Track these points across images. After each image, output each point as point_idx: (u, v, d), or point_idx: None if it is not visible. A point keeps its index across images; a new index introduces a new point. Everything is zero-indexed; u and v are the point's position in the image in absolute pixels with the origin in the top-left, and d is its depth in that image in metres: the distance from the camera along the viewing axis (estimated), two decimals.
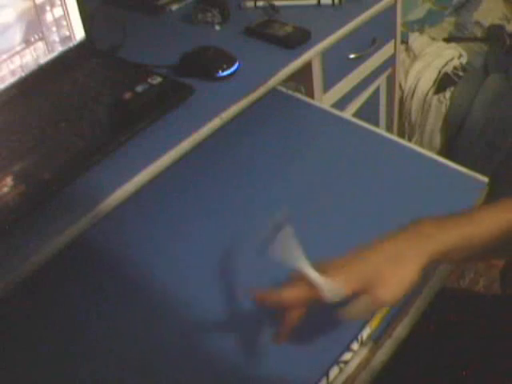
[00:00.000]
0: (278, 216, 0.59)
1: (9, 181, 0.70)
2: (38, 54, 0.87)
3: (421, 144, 1.67)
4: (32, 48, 0.86)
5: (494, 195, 0.82)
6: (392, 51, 1.31)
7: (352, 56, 1.16)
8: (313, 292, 0.55)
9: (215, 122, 0.83)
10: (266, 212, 0.83)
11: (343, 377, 0.62)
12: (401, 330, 0.65)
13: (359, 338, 0.64)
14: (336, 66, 1.12)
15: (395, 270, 0.54)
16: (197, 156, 0.85)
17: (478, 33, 1.72)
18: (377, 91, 1.36)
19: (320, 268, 0.55)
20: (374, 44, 1.21)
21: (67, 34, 0.90)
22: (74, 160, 0.74)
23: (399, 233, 0.57)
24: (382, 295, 0.53)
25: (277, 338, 0.60)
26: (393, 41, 1.29)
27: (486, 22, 1.71)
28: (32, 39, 0.85)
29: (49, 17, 0.86)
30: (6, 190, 0.69)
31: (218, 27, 1.07)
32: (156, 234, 0.82)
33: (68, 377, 0.66)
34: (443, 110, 1.56)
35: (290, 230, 0.57)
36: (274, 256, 0.56)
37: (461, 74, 1.58)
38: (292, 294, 0.56)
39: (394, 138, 0.96)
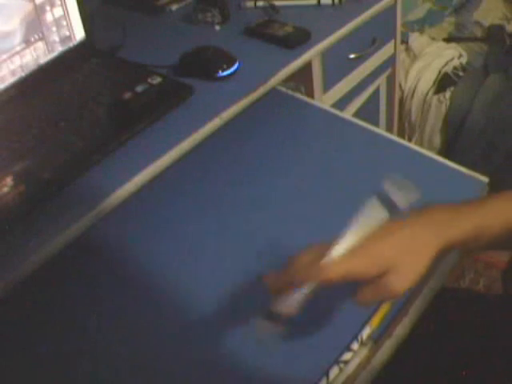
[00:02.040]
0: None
1: (9, 181, 0.70)
2: (37, 54, 0.87)
3: (421, 144, 1.67)
4: (32, 48, 0.86)
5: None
6: (392, 51, 1.31)
7: (352, 56, 1.16)
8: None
9: (215, 122, 0.83)
10: (266, 211, 0.84)
11: (343, 377, 0.62)
12: (401, 330, 0.65)
13: (359, 337, 0.64)
14: (336, 66, 1.12)
15: (410, 259, 0.53)
16: (197, 156, 0.85)
17: (478, 33, 1.72)
18: (377, 91, 1.36)
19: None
20: (374, 44, 1.21)
21: (67, 34, 0.90)
22: (74, 160, 0.74)
23: (414, 218, 0.56)
24: (395, 283, 0.52)
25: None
26: (393, 41, 1.29)
27: (486, 22, 1.71)
28: (32, 39, 0.85)
29: (49, 17, 0.86)
30: (5, 189, 0.69)
31: (217, 27, 1.07)
32: (156, 233, 0.82)
33: (68, 377, 0.66)
34: (443, 110, 1.57)
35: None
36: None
37: (461, 74, 1.58)
38: (303, 259, 0.55)
39: (394, 137, 0.96)
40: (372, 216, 0.58)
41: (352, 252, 0.53)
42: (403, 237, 0.54)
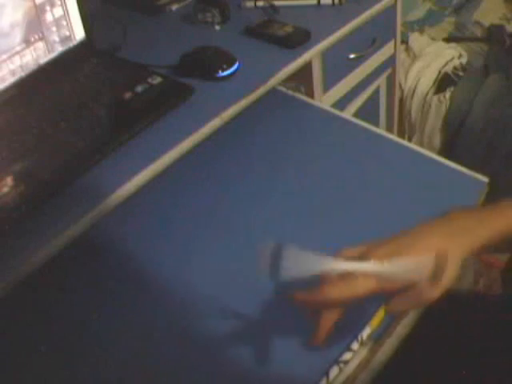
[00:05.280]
0: (268, 244, 0.56)
1: (9, 181, 0.70)
2: (38, 54, 0.87)
3: (421, 144, 1.67)
4: (32, 48, 0.86)
5: (494, 195, 0.82)
6: (392, 51, 1.31)
7: (352, 56, 1.16)
8: (365, 284, 0.54)
9: (215, 122, 0.83)
10: (266, 211, 0.84)
11: (343, 377, 0.62)
12: (401, 330, 0.65)
13: (359, 337, 0.64)
14: (336, 65, 1.12)
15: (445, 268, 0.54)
16: (197, 156, 0.85)
17: (478, 33, 1.72)
18: (377, 91, 1.36)
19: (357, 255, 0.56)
20: (374, 44, 1.21)
21: (67, 34, 0.90)
22: (74, 160, 0.74)
23: (436, 227, 0.57)
24: (428, 292, 0.53)
25: (313, 341, 0.58)
26: (393, 41, 1.29)
27: (486, 22, 1.71)
28: (32, 39, 0.85)
29: (49, 17, 0.86)
30: (6, 189, 0.69)
31: (217, 27, 1.07)
32: (156, 233, 0.82)
33: (68, 377, 0.66)
34: (443, 109, 1.56)
35: (291, 247, 0.55)
36: (286, 274, 0.54)
37: (461, 74, 1.58)
38: (335, 290, 0.55)
39: (394, 137, 0.96)
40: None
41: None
42: (430, 247, 0.55)
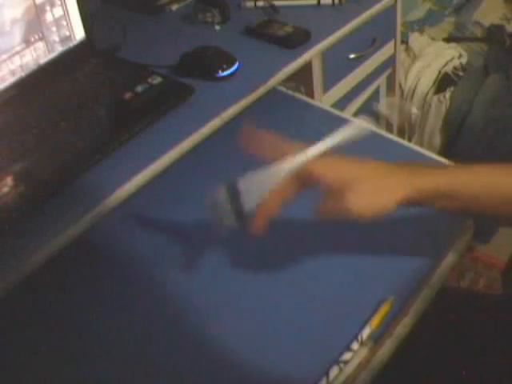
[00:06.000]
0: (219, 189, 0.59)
1: (9, 181, 0.70)
2: (38, 54, 0.87)
3: (421, 144, 1.67)
4: (32, 48, 0.86)
5: None
6: (392, 51, 1.31)
7: (352, 56, 1.16)
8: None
9: (215, 122, 0.83)
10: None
11: (343, 377, 0.62)
12: (401, 330, 0.65)
13: (359, 337, 0.64)
14: (336, 65, 1.12)
15: (376, 187, 0.56)
16: (197, 156, 0.85)
17: (478, 33, 1.72)
18: (377, 91, 1.36)
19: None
20: (374, 44, 1.21)
21: (67, 34, 0.90)
22: (74, 160, 0.74)
23: (392, 163, 0.59)
24: (351, 201, 0.54)
25: (254, 229, 0.60)
26: (393, 41, 1.29)
27: (486, 22, 1.71)
28: (32, 39, 0.85)
29: (49, 17, 0.86)
30: (5, 189, 0.69)
31: (217, 27, 1.07)
32: (156, 234, 0.82)
33: (68, 377, 0.66)
34: (443, 109, 1.56)
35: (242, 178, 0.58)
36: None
37: (461, 74, 1.58)
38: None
39: (394, 137, 0.96)
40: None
41: (329, 159, 0.58)
42: (378, 168, 0.58)
